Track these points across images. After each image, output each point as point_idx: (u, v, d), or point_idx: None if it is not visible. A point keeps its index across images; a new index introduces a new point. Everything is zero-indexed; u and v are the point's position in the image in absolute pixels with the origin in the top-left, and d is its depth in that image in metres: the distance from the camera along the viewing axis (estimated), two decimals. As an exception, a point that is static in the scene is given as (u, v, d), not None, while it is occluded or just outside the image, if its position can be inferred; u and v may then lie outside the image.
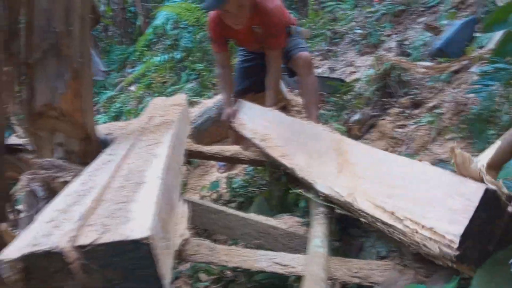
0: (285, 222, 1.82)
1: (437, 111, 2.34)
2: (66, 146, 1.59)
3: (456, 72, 2.53)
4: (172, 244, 1.08)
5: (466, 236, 0.90)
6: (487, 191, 0.91)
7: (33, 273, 0.84)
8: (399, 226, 1.07)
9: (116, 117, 6.17)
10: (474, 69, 2.37)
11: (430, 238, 0.97)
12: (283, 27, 2.76)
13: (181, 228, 1.23)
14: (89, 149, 1.63)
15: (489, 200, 0.91)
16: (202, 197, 2.78)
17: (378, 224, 1.18)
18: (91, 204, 0.98)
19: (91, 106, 1.61)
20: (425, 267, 1.22)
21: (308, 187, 1.66)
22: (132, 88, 6.73)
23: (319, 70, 3.96)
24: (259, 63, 3.05)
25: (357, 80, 3.08)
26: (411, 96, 2.55)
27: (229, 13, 2.49)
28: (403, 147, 2.28)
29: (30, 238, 0.87)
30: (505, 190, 0.90)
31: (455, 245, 0.91)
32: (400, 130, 2.40)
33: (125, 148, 1.45)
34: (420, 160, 1.92)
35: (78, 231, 0.86)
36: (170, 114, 2.11)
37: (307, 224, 1.78)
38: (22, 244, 0.86)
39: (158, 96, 5.06)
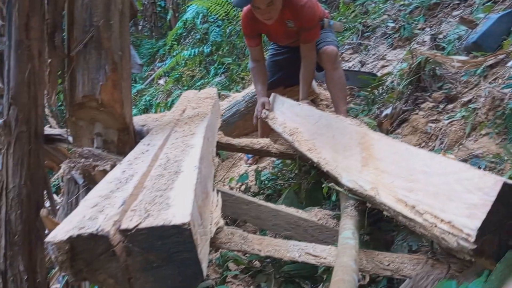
0: (316, 215, 1.83)
1: (472, 106, 2.28)
2: (105, 136, 1.65)
3: (492, 66, 2.46)
4: (209, 231, 1.12)
5: (483, 230, 0.90)
6: (504, 185, 0.90)
7: (79, 254, 0.89)
8: (419, 220, 1.08)
9: (146, 110, 6.30)
10: (511, 63, 2.31)
11: (449, 232, 0.97)
12: (317, 21, 2.76)
13: (215, 216, 1.27)
14: (126, 139, 1.69)
15: (507, 195, 0.90)
16: (231, 189, 2.82)
17: (399, 218, 1.19)
18: (132, 191, 1.03)
19: (129, 98, 1.66)
20: (458, 262, 1.22)
21: (335, 180, 1.67)
22: (161, 81, 6.84)
23: (350, 64, 3.92)
24: (289, 57, 3.06)
25: (388, 74, 3.03)
26: (445, 91, 2.50)
27: (259, 9, 2.51)
28: (436, 142, 2.25)
29: (76, 222, 0.92)
30: None
31: (472, 239, 0.91)
32: (433, 125, 2.35)
33: (161, 138, 1.49)
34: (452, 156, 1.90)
35: (122, 216, 0.90)
36: (202, 107, 2.15)
37: (337, 218, 1.79)
38: (68, 227, 0.90)
39: (186, 89, 5.14)
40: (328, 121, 1.99)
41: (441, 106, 2.45)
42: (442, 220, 1.01)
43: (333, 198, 2.02)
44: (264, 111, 2.82)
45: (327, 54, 2.75)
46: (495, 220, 0.91)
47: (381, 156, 1.41)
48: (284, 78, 3.10)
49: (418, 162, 1.25)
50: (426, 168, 1.19)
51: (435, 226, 1.02)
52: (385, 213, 1.30)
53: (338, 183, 1.63)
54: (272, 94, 2.93)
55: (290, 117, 2.43)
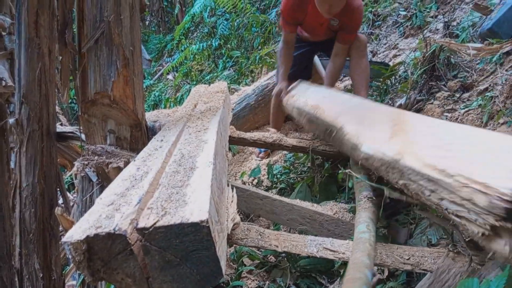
0: (331, 209, 1.81)
1: (488, 94, 2.23)
2: (118, 133, 1.64)
3: (509, 53, 2.39)
4: (225, 227, 1.10)
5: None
6: None
7: (96, 254, 0.87)
8: (448, 180, 1.01)
9: (155, 106, 6.31)
10: (529, 49, 2.25)
11: (481, 191, 0.91)
12: (360, 26, 2.74)
13: (231, 212, 1.25)
14: (139, 135, 1.68)
15: None
16: (243, 183, 2.80)
17: (421, 182, 1.11)
18: (148, 188, 1.01)
19: (141, 94, 1.64)
20: (480, 255, 1.18)
21: (352, 153, 1.60)
22: (170, 76, 6.84)
23: (361, 54, 3.86)
24: (306, 51, 3.02)
25: (401, 63, 2.98)
26: (461, 79, 2.44)
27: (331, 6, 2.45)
28: (452, 132, 2.20)
29: (93, 221, 0.90)
30: None
31: (509, 197, 0.83)
32: (449, 114, 2.30)
33: (174, 134, 1.47)
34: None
35: (139, 214, 0.89)
36: (214, 101, 2.13)
37: (353, 211, 1.77)
38: (85, 226, 0.89)
39: (196, 84, 5.13)
40: (359, 101, 1.96)
41: (457, 95, 2.39)
42: (475, 181, 0.95)
43: (350, 184, 1.97)
44: (282, 95, 2.81)
45: (359, 40, 2.71)
46: None
47: (413, 130, 1.34)
48: (300, 72, 3.06)
49: (456, 133, 1.21)
50: (465, 138, 1.15)
51: (466, 186, 0.95)
52: (401, 182, 1.22)
53: (355, 151, 1.54)
54: (298, 80, 2.89)
55: (314, 98, 2.36)
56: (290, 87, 2.81)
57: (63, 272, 2.41)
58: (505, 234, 0.87)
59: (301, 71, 3.01)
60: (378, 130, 1.49)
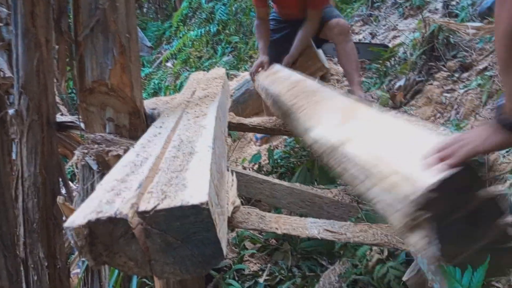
0: (331, 191, 1.82)
1: (488, 73, 2.22)
2: (116, 121, 1.64)
3: (509, 31, 2.38)
4: (226, 210, 1.11)
5: (435, 189, 0.85)
6: (466, 168, 0.87)
7: (98, 238, 0.89)
8: (375, 170, 1.04)
9: (155, 94, 6.29)
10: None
11: (398, 184, 0.94)
12: None
13: (231, 195, 1.26)
14: (137, 123, 1.68)
15: (471, 173, 0.87)
16: (244, 169, 2.82)
17: (354, 170, 1.15)
18: (148, 173, 1.02)
19: (139, 81, 1.64)
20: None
21: (304, 136, 1.63)
22: (169, 64, 6.81)
23: (360, 37, 3.84)
24: (287, 33, 3.02)
25: (400, 44, 2.96)
26: (460, 59, 2.43)
27: None
28: (451, 113, 2.20)
29: (94, 206, 0.91)
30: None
31: (420, 191, 0.85)
32: (448, 95, 2.30)
33: (173, 120, 1.48)
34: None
35: (139, 198, 0.90)
36: (212, 87, 2.13)
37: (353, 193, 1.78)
38: (86, 211, 0.90)
39: (195, 71, 5.11)
40: (317, 89, 1.94)
41: (456, 75, 2.39)
42: (397, 172, 0.97)
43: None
44: (259, 69, 2.83)
45: (340, 26, 2.70)
46: (450, 188, 0.87)
47: (359, 121, 1.37)
48: (278, 57, 3.06)
49: (393, 129, 1.22)
50: (400, 136, 1.16)
51: (389, 176, 0.98)
52: (339, 172, 1.25)
53: (306, 135, 1.58)
54: (274, 64, 2.92)
55: (281, 83, 2.40)
56: (266, 66, 2.83)
57: (68, 260, 2.44)
58: (424, 225, 0.89)
59: (283, 54, 3.00)
60: (329, 118, 1.51)
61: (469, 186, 0.88)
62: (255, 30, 3.08)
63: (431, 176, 0.88)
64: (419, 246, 0.91)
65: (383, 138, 1.18)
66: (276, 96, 2.12)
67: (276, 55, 2.95)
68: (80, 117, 1.70)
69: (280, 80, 2.37)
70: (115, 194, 0.95)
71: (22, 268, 2.04)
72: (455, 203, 0.87)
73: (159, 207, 0.84)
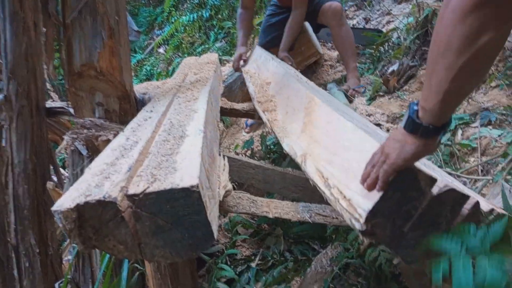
0: (323, 176, 1.82)
1: (481, 58, 2.21)
2: (106, 106, 1.62)
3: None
4: (217, 194, 1.11)
5: (375, 213, 0.86)
6: (401, 173, 0.85)
7: (87, 222, 0.88)
8: (328, 193, 1.07)
9: (147, 80, 6.22)
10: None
11: (346, 210, 0.95)
12: None
13: (223, 180, 1.25)
14: (127, 108, 1.66)
15: (405, 181, 0.85)
16: (237, 155, 2.81)
17: (317, 188, 1.18)
18: (137, 157, 1.01)
19: (128, 65, 1.62)
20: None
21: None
22: (161, 50, 6.72)
23: (354, 22, 3.81)
24: (286, 17, 2.98)
25: (394, 29, 2.94)
26: (453, 44, 2.42)
27: None
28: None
29: (83, 189, 0.90)
30: (427, 172, 0.85)
31: (362, 220, 0.88)
32: (441, 80, 2.29)
33: (164, 104, 1.46)
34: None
35: (129, 181, 0.89)
36: (204, 72, 2.11)
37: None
38: (75, 194, 0.89)
39: (187, 57, 5.05)
40: (288, 81, 1.96)
41: (449, 60, 2.38)
42: (344, 197, 0.99)
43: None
44: (241, 62, 2.81)
45: (333, 10, 2.67)
46: (389, 205, 0.87)
47: (318, 125, 1.39)
48: (278, 39, 3.03)
49: (343, 135, 1.21)
50: (347, 142, 1.16)
51: (338, 201, 1.00)
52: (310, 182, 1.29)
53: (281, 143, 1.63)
54: (255, 46, 2.90)
55: (263, 71, 2.40)
56: (245, 56, 2.81)
57: (60, 247, 2.42)
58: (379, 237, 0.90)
59: (280, 37, 2.98)
60: (295, 121, 1.56)
61: (413, 191, 0.86)
62: (237, 19, 3.02)
63: (367, 203, 0.89)
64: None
65: (333, 150, 1.19)
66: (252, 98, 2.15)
67: (271, 39, 2.93)
68: (68, 102, 1.67)
69: (254, 77, 2.39)
70: (104, 178, 0.94)
71: (13, 255, 2.02)
72: (405, 210, 0.87)
73: (148, 190, 0.83)
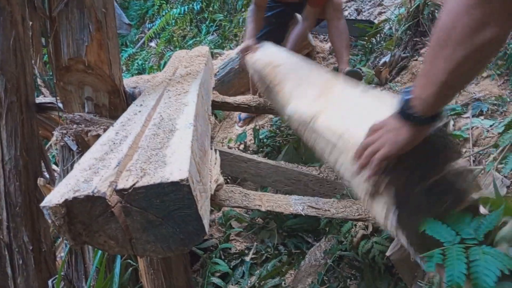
0: (316, 169, 1.82)
1: (472, 48, 2.21)
2: (96, 100, 1.60)
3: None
4: (208, 188, 1.10)
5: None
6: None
7: (76, 218, 0.86)
8: (340, 142, 1.07)
9: (139, 74, 6.17)
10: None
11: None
12: None
13: (214, 173, 1.24)
14: (117, 102, 1.64)
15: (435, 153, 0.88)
16: (229, 149, 2.80)
17: (322, 144, 1.18)
18: (127, 151, 0.99)
19: (117, 58, 1.59)
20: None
21: (281, 111, 1.64)
22: (153, 44, 6.66)
23: (346, 13, 3.79)
24: (281, 11, 2.96)
25: (386, 20, 2.93)
26: (445, 35, 2.42)
27: None
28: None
29: (71, 185, 0.89)
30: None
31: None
32: (433, 70, 2.29)
33: (154, 98, 1.44)
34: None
35: (118, 176, 0.88)
36: (194, 65, 2.08)
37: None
38: (64, 190, 0.87)
39: (178, 50, 5.00)
40: (302, 63, 1.94)
41: (441, 50, 2.38)
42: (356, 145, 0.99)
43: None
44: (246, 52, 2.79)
45: (334, 3, 2.67)
46: (411, 159, 0.87)
47: (333, 97, 1.39)
48: (272, 33, 3.01)
49: (358, 99, 1.24)
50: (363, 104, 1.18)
51: (351, 150, 1.00)
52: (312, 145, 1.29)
53: (282, 111, 1.61)
54: (264, 42, 2.86)
55: (272, 57, 2.38)
56: (253, 49, 2.78)
57: (54, 244, 2.41)
58: (384, 191, 0.89)
59: (275, 31, 2.95)
60: (308, 92, 1.52)
61: (434, 159, 0.86)
62: (249, 13, 2.96)
63: None
64: (380, 215, 0.92)
65: (350, 112, 1.19)
66: (260, 71, 2.10)
67: (266, 32, 2.91)
68: (57, 97, 1.65)
69: (268, 57, 2.34)
70: (93, 173, 0.93)
71: (6, 253, 2.01)
72: (417, 175, 0.86)
73: (138, 185, 0.82)
